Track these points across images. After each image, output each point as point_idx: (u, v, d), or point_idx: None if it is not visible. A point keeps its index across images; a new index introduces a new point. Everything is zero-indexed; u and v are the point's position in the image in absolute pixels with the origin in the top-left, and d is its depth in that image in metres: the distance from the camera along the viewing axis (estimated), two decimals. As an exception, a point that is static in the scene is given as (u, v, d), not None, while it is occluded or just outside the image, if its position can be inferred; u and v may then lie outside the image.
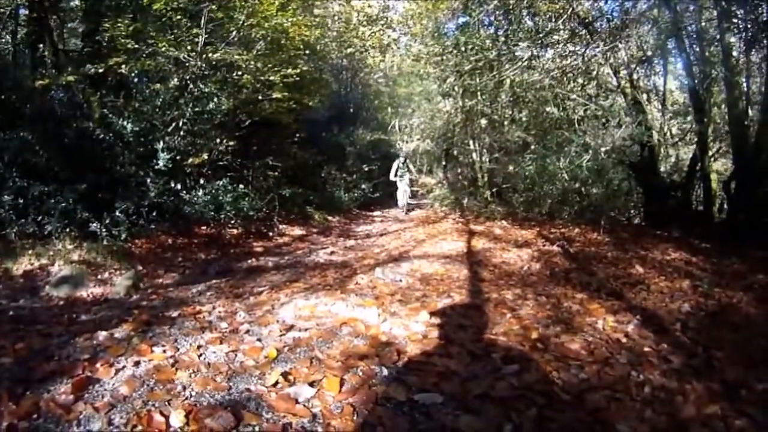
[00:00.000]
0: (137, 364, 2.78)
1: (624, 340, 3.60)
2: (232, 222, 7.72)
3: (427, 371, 2.76)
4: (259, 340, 3.20)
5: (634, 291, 5.07)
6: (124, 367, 2.75)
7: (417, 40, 14.96)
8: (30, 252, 5.56)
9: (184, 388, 2.50)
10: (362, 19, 15.56)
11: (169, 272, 5.84)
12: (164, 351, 2.96)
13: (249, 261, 6.50)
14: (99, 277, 5.36)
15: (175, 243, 6.84)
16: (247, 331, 3.36)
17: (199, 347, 3.04)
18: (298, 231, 9.38)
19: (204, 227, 7.58)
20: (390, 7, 16.40)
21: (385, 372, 2.74)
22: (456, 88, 12.48)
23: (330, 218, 11.84)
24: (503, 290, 4.87)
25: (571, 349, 3.31)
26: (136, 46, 7.57)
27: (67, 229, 6.14)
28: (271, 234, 8.44)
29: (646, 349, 3.42)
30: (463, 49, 11.27)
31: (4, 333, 3.38)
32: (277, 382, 2.57)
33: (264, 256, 6.68)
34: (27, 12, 9.00)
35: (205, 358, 2.89)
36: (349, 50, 15.83)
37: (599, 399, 2.64)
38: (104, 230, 6.22)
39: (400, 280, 5.19)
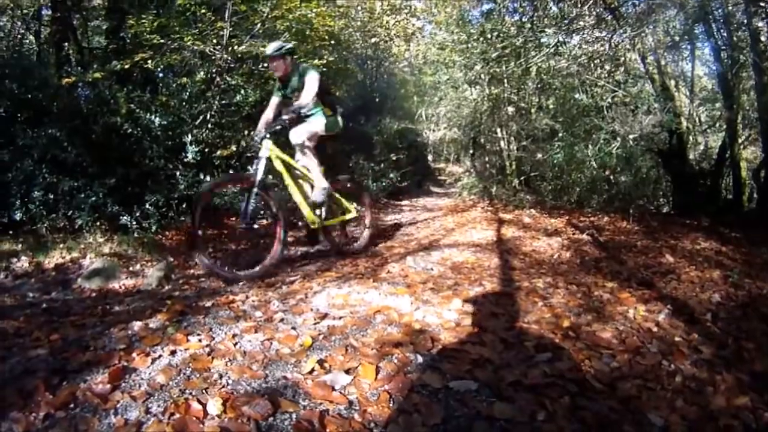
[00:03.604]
0: (173, 353, 2.78)
1: (655, 329, 3.60)
2: (262, 213, 7.72)
3: (461, 359, 2.76)
4: (293, 328, 3.20)
5: (665, 280, 5.05)
6: (160, 356, 2.75)
7: (441, 28, 14.88)
8: (61, 246, 5.62)
9: (221, 377, 2.51)
10: (386, 9, 15.52)
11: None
12: (200, 340, 2.97)
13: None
14: (130, 269, 5.39)
15: (204, 234, 6.85)
16: (282, 320, 3.37)
17: (234, 336, 3.05)
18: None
19: (233, 218, 7.60)
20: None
21: (420, 359, 2.75)
22: (482, 76, 12.41)
23: (359, 208, 11.55)
24: (534, 279, 4.86)
25: (602, 338, 3.32)
26: (162, 41, 7.65)
27: (98, 223, 6.21)
28: (299, 224, 8.44)
29: (677, 339, 3.42)
30: (489, 36, 11.21)
31: (38, 325, 3.40)
32: (313, 370, 2.58)
33: (293, 246, 6.68)
34: (50, 12, 9.08)
35: (240, 347, 2.89)
36: (373, 40, 15.79)
37: (631, 388, 2.65)
38: (134, 223, 6.30)
39: (432, 269, 5.18)
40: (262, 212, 5.56)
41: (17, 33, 10.27)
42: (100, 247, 5.80)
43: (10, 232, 5.64)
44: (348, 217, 6.43)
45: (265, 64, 8.26)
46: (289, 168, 5.61)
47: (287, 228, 5.34)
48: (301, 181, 5.85)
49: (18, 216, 5.63)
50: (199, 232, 4.98)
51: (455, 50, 12.94)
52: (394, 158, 14.98)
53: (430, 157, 22.15)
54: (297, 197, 5.66)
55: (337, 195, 6.16)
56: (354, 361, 2.69)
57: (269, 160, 5.25)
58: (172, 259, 5.81)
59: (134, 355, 2.76)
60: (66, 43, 9.14)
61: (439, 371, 2.58)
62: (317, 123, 5.83)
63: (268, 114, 5.88)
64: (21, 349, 2.88)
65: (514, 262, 5.63)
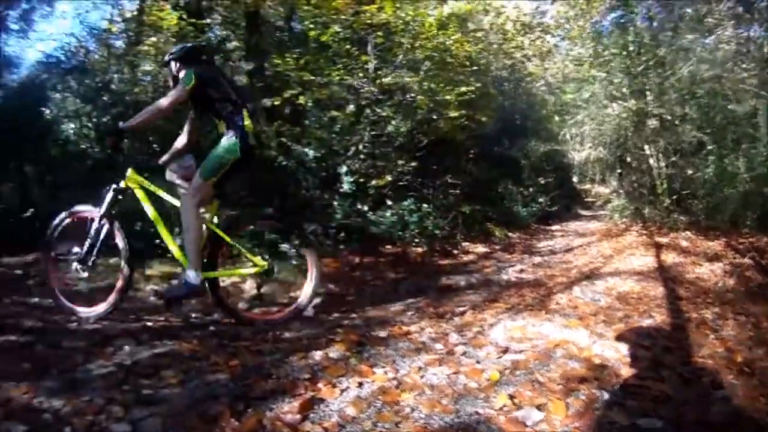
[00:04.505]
0: (360, 385, 2.85)
1: (831, 366, 3.42)
2: (416, 241, 7.91)
3: (642, 395, 2.73)
4: (477, 362, 3.23)
5: (838, 310, 4.77)
6: (347, 387, 2.82)
7: (577, 43, 14.64)
8: (221, 270, 5.86)
9: (412, 410, 2.56)
10: (519, 29, 15.39)
11: (360, 291, 5.99)
12: (385, 372, 3.04)
13: (438, 280, 6.49)
14: (291, 295, 5.55)
15: (362, 262, 7.01)
16: (464, 353, 3.40)
17: (419, 369, 3.10)
18: (481, 248, 9.26)
19: (389, 246, 7.72)
20: (544, 12, 16.18)
21: (606, 396, 2.72)
22: (624, 90, 12.04)
23: (510, 234, 11.45)
24: (702, 309, 4.70)
25: (777, 375, 3.19)
26: (312, 77, 7.99)
27: (256, 250, 6.44)
28: (455, 252, 8.42)
29: None
30: (631, 48, 10.92)
31: (212, 348, 3.51)
32: (504, 406, 2.58)
33: (452, 275, 6.67)
34: None
35: (427, 380, 2.94)
36: (509, 61, 15.66)
37: (810, 428, 2.56)
38: (293, 250, 6.49)
39: (599, 300, 5.13)
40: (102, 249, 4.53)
41: (162, 76, 10.95)
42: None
43: (169, 255, 5.93)
44: (250, 271, 4.82)
45: (412, 95, 8.42)
46: (159, 201, 4.56)
47: (132, 268, 4.48)
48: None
49: (178, 241, 5.91)
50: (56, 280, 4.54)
51: (593, 65, 12.68)
52: (542, 182, 14.75)
53: (575, 179, 21.62)
54: (165, 237, 4.53)
55: (228, 239, 4.53)
56: (542, 396, 2.70)
57: (123, 191, 4.46)
58: (331, 287, 5.94)
59: (320, 385, 2.83)
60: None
61: (624, 408, 2.56)
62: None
63: (181, 139, 4.87)
64: (199, 373, 3.01)
65: (680, 291, 5.49)
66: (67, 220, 4.57)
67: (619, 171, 14.74)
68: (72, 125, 8.80)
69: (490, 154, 13.36)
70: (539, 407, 2.55)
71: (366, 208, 7.31)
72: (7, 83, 15.94)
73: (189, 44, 4.92)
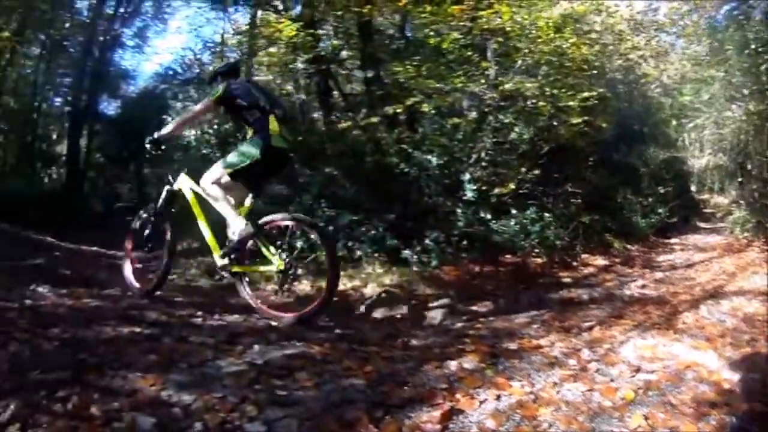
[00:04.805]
0: (498, 397, 2.90)
1: None
2: (536, 251, 7.90)
3: None
4: (611, 380, 3.25)
5: None
6: (485, 399, 2.86)
7: (693, 41, 14.10)
8: (342, 274, 6.06)
9: (550, 426, 2.59)
10: (633, 28, 14.99)
11: (481, 300, 6.01)
12: (522, 386, 3.09)
13: (560, 292, 6.47)
14: (412, 301, 5.68)
15: (481, 271, 7.04)
16: (597, 370, 3.42)
17: (554, 384, 3.14)
18: (600, 261, 9.06)
19: (508, 256, 7.73)
20: (656, 9, 15.67)
21: (735, 422, 2.70)
22: (744, 91, 11.49)
23: (629, 247, 10.98)
24: (832, 336, 4.49)
25: None
26: (437, 85, 8.11)
27: (376, 255, 6.63)
28: (575, 264, 8.30)
29: None
30: (753, 46, 10.44)
31: (343, 353, 3.53)
32: (638, 426, 2.61)
33: (574, 288, 6.64)
34: (302, 66, 9.91)
35: (563, 396, 2.97)
36: (624, 62, 15.25)
37: None
38: (415, 257, 6.64)
39: (724, 320, 4.96)
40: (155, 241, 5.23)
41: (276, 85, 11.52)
42: (380, 278, 6.19)
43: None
44: (267, 269, 4.85)
45: (533, 101, 8.41)
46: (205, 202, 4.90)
47: (171, 257, 5.07)
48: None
49: (299, 244, 6.08)
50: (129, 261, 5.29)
51: (712, 64, 12.16)
52: (661, 191, 14.02)
53: (693, 188, 20.66)
54: (205, 231, 4.88)
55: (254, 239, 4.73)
56: (674, 419, 2.69)
57: (176, 192, 5.11)
58: (452, 295, 6.03)
59: (458, 395, 2.90)
60: (335, 92, 10.09)
61: (753, 437, 2.53)
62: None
63: None
64: (333, 377, 3.08)
65: (809, 316, 5.21)
66: (141, 217, 5.35)
67: (739, 179, 13.92)
68: (193, 132, 9.42)
69: (608, 161, 12.95)
70: (672, 430, 2.58)
71: (488, 216, 7.37)
72: (126, 94, 17.28)
73: (231, 61, 5.93)
